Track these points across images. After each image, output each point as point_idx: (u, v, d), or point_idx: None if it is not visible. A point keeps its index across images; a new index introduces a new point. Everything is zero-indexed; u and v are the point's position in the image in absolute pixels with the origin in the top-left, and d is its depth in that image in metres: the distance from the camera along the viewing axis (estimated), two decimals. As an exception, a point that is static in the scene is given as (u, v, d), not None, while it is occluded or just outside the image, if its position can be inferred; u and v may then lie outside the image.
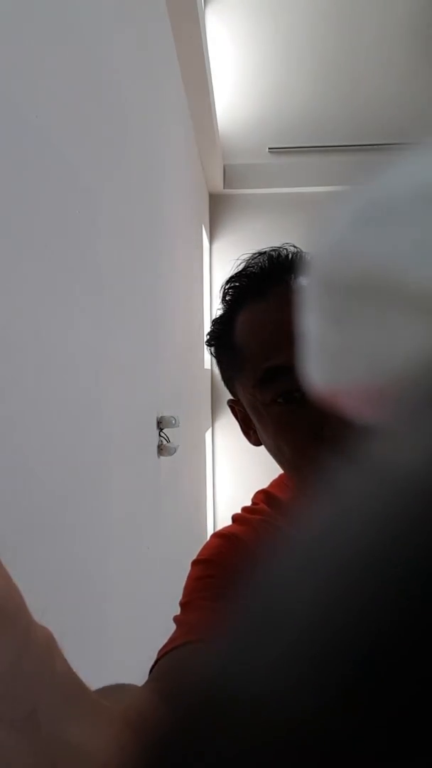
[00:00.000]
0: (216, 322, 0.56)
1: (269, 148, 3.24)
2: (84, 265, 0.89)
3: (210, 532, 3.00)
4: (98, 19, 1.01)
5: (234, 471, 3.13)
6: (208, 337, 0.57)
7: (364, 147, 3.13)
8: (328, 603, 0.09)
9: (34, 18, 0.72)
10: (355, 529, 0.09)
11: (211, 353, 0.57)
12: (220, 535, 0.57)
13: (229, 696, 0.09)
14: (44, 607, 0.24)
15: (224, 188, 3.24)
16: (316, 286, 0.14)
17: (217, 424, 3.19)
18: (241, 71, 3.21)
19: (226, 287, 0.55)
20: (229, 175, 3.24)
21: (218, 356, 0.56)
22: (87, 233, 0.91)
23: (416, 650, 0.07)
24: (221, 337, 0.55)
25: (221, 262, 3.22)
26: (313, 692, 0.08)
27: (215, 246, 3.28)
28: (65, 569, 0.78)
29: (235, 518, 0.59)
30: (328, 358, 0.14)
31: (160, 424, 1.50)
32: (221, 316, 0.55)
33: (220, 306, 0.55)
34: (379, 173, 0.14)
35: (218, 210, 3.31)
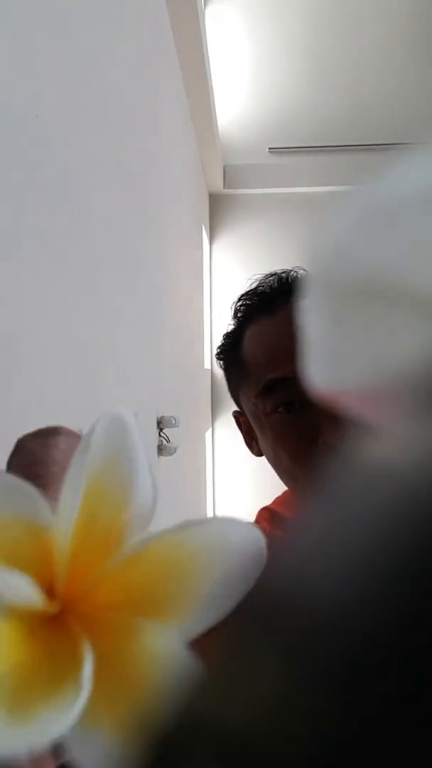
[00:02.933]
0: (225, 337, 0.59)
1: (269, 148, 3.24)
2: (83, 266, 0.89)
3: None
4: (98, 20, 1.01)
5: (234, 471, 3.13)
6: (218, 350, 0.60)
7: (364, 147, 3.13)
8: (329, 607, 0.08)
9: (33, 18, 0.72)
10: (356, 533, 0.09)
11: (220, 366, 0.60)
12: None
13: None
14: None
15: (224, 188, 3.24)
16: (316, 288, 0.14)
17: (217, 424, 3.19)
18: (241, 71, 3.21)
19: (238, 304, 0.58)
20: (229, 175, 3.24)
21: (226, 369, 0.59)
22: (86, 233, 0.91)
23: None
24: (229, 350, 0.58)
25: (221, 262, 3.22)
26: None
27: (215, 246, 3.28)
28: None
29: None
30: (329, 360, 0.14)
31: (160, 424, 1.50)
32: (231, 332, 0.58)
33: (231, 322, 0.58)
34: (380, 174, 0.14)
35: (218, 210, 3.31)
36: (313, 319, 0.14)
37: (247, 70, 3.21)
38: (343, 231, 0.14)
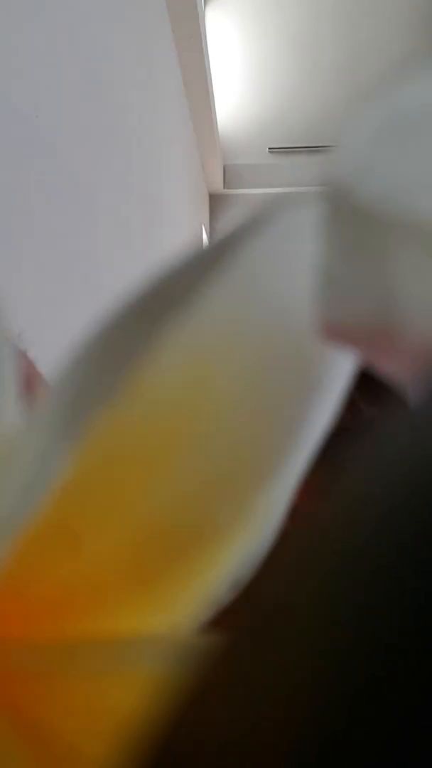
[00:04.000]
0: None
1: (269, 148, 3.24)
2: (83, 265, 0.89)
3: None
4: (98, 20, 1.01)
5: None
6: None
7: (364, 147, 3.12)
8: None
9: (34, 18, 0.72)
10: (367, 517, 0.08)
11: None
12: None
13: None
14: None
15: (224, 188, 3.24)
16: (327, 209, 0.13)
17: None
18: (241, 71, 3.21)
19: None
20: (229, 175, 3.24)
21: None
22: (87, 233, 0.91)
23: None
24: None
25: (221, 262, 3.21)
26: None
27: (215, 246, 3.28)
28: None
29: None
30: (335, 291, 0.13)
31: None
32: None
33: None
34: (406, 83, 0.13)
35: (218, 210, 3.30)
36: (323, 243, 0.13)
37: (247, 70, 3.20)
38: (361, 145, 0.13)
